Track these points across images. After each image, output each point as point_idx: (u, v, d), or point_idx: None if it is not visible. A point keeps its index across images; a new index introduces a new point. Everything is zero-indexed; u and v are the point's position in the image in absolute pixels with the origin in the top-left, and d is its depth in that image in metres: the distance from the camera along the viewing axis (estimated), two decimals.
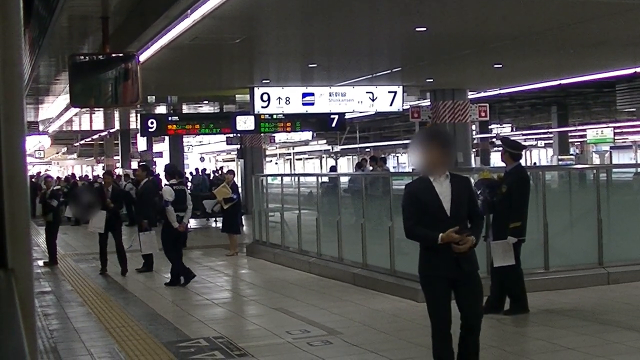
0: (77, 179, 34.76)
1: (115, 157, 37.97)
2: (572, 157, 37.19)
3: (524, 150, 10.13)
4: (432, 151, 5.50)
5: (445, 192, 5.48)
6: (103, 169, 42.21)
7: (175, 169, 13.22)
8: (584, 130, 37.82)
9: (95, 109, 21.78)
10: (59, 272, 13.79)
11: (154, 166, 29.63)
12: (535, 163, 45.67)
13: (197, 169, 33.25)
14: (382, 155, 37.17)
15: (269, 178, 17.43)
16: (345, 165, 57.77)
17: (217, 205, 15.73)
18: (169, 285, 11.67)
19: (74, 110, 23.01)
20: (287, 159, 62.66)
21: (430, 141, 5.62)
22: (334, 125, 20.98)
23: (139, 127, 22.16)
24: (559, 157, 34.67)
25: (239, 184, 23.65)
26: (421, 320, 8.38)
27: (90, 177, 41.30)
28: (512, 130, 39.39)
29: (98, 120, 31.06)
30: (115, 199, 13.48)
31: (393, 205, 10.89)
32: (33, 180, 30.39)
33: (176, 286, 11.54)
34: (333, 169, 26.24)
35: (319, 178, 15.36)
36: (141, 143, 32.36)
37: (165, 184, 12.21)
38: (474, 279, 5.54)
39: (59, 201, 15.69)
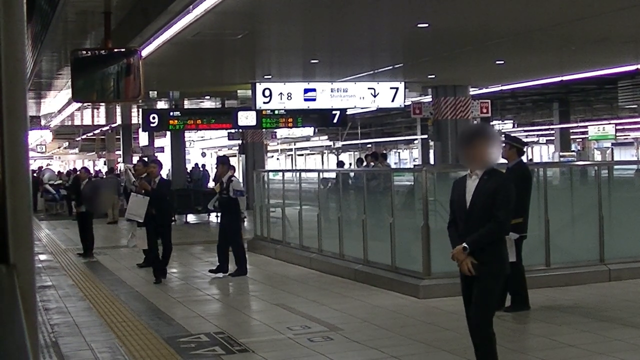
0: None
1: (117, 152, 37.96)
2: (573, 153, 37.15)
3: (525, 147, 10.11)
4: (468, 147, 5.54)
5: (471, 190, 5.48)
6: (104, 164, 42.22)
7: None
8: (586, 126, 37.78)
9: (97, 104, 21.78)
10: (60, 267, 13.80)
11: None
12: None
13: (196, 164, 33.27)
14: (384, 151, 37.16)
15: (271, 173, 17.43)
16: (347, 161, 57.76)
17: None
18: (235, 275, 11.98)
19: (75, 105, 23.02)
20: (289, 155, 62.64)
21: (469, 137, 5.67)
22: (335, 121, 20.99)
23: (140, 122, 22.18)
24: (561, 153, 34.63)
25: (240, 180, 23.66)
26: (422, 317, 8.39)
27: (92, 171, 41.28)
28: (513, 127, 39.32)
29: (100, 115, 31.07)
30: (160, 191, 12.00)
31: (394, 201, 10.89)
32: (35, 175, 30.43)
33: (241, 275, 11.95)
34: (341, 164, 26.35)
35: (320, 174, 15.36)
36: (143, 138, 32.35)
37: (232, 175, 12.39)
38: (479, 282, 5.45)
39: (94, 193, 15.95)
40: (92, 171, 40.91)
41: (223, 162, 12.72)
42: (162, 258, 12.13)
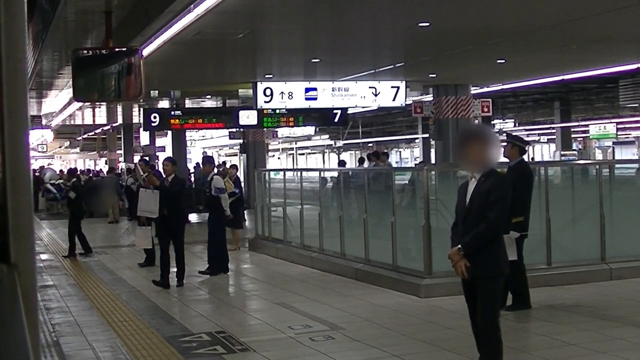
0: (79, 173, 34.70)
1: (118, 152, 37.96)
2: (574, 152, 37.15)
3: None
4: (464, 148, 5.55)
5: (470, 192, 5.50)
6: (105, 163, 42.21)
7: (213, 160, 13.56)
8: (587, 125, 37.77)
9: (98, 103, 21.79)
10: (61, 266, 13.80)
11: (156, 160, 29.64)
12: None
13: (198, 164, 33.22)
14: (385, 151, 37.15)
15: (272, 172, 17.42)
16: (348, 160, 57.78)
17: None
18: (203, 273, 12.05)
19: (76, 105, 23.02)
20: (290, 154, 62.66)
21: (464, 138, 5.69)
22: (336, 120, 20.98)
23: (141, 121, 22.18)
24: (562, 152, 34.64)
25: (242, 179, 23.68)
26: (423, 316, 8.39)
27: (92, 171, 41.29)
28: (514, 126, 39.35)
29: (101, 114, 31.08)
30: (172, 189, 11.19)
31: (395, 200, 10.89)
32: (36, 174, 30.44)
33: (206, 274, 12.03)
34: (342, 163, 26.42)
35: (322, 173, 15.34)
36: (144, 137, 32.37)
37: (215, 174, 12.63)
38: (481, 284, 5.44)
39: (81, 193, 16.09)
40: (90, 171, 41.05)
41: (208, 161, 13.42)
42: (177, 267, 11.19)
